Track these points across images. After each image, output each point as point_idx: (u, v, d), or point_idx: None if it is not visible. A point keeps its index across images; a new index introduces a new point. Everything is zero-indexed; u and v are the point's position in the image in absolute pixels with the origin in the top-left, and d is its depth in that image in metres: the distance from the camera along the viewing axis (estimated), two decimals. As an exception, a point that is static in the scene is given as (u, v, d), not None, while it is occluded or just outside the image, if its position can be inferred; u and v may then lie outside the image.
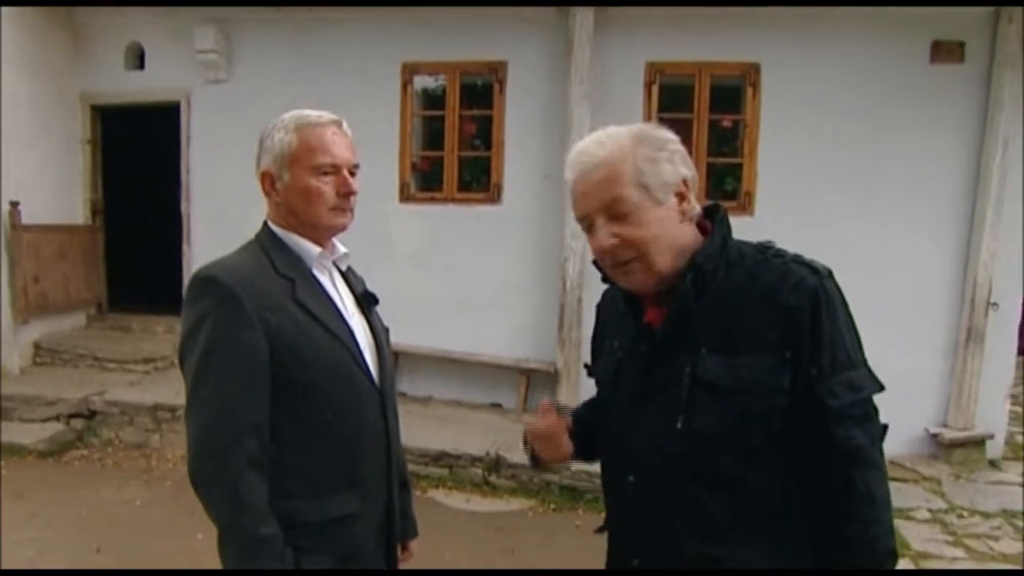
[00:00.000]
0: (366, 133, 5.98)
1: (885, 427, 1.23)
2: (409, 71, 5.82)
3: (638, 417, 1.27)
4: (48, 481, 4.37)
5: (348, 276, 1.61)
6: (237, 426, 1.30)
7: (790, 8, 5.24)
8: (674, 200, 1.22)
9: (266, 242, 1.46)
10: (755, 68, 5.41)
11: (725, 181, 5.63)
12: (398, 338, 5.79)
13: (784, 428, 1.18)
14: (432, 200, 5.90)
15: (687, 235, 1.24)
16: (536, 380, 5.56)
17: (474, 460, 4.62)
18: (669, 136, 1.26)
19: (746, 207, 5.47)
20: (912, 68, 5.31)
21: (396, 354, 5.73)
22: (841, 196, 5.38)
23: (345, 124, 1.50)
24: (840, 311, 1.18)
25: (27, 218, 5.76)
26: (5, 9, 5.61)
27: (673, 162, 1.22)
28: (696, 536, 1.21)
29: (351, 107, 6.10)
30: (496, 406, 5.67)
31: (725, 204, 5.34)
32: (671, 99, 5.56)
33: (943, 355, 5.44)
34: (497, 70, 5.70)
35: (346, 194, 1.46)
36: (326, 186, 1.44)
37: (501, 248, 5.77)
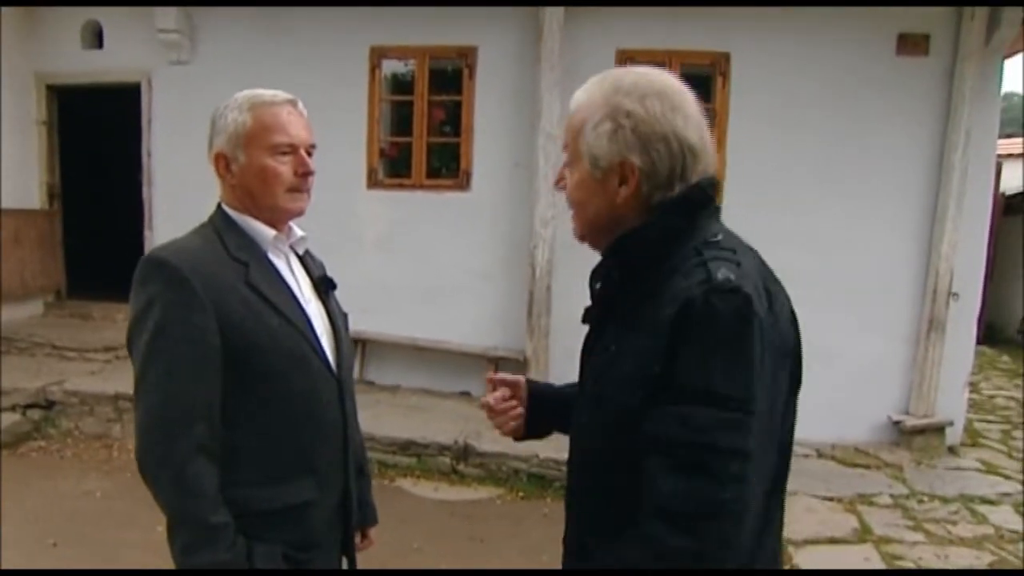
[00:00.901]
0: (333, 118, 5.96)
1: (735, 514, 0.97)
2: (377, 55, 5.73)
3: (581, 386, 1.25)
4: (3, 474, 4.24)
5: (306, 260, 1.58)
6: (186, 411, 1.28)
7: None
8: (614, 180, 1.10)
9: (219, 224, 1.43)
10: (725, 57, 5.42)
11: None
12: (365, 326, 5.80)
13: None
14: (400, 186, 5.83)
15: (629, 220, 1.12)
16: (505, 368, 5.52)
17: (442, 449, 4.59)
18: (635, 105, 1.08)
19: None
20: (878, 60, 5.37)
21: (363, 342, 5.67)
22: (808, 185, 5.43)
23: (301, 104, 1.47)
24: (715, 333, 0.97)
25: (-21, 201, 5.57)
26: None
27: (616, 139, 1.09)
28: (577, 530, 1.20)
29: (318, 91, 6.00)
30: (465, 394, 5.64)
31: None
32: (641, 87, 5.54)
33: (906, 343, 5.53)
34: (467, 55, 5.64)
35: (304, 174, 1.44)
36: (283, 166, 1.41)
37: (470, 235, 5.73)
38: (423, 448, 4.62)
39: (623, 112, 1.09)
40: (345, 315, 1.59)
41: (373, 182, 5.82)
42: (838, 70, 5.38)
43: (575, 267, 6.06)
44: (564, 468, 4.25)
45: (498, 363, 5.51)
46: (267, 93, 1.43)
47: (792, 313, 1.12)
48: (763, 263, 1.13)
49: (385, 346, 5.76)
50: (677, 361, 0.98)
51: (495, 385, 1.44)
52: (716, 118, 5.49)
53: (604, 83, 1.14)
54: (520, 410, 1.44)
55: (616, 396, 1.08)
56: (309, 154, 1.45)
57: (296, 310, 1.42)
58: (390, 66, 5.89)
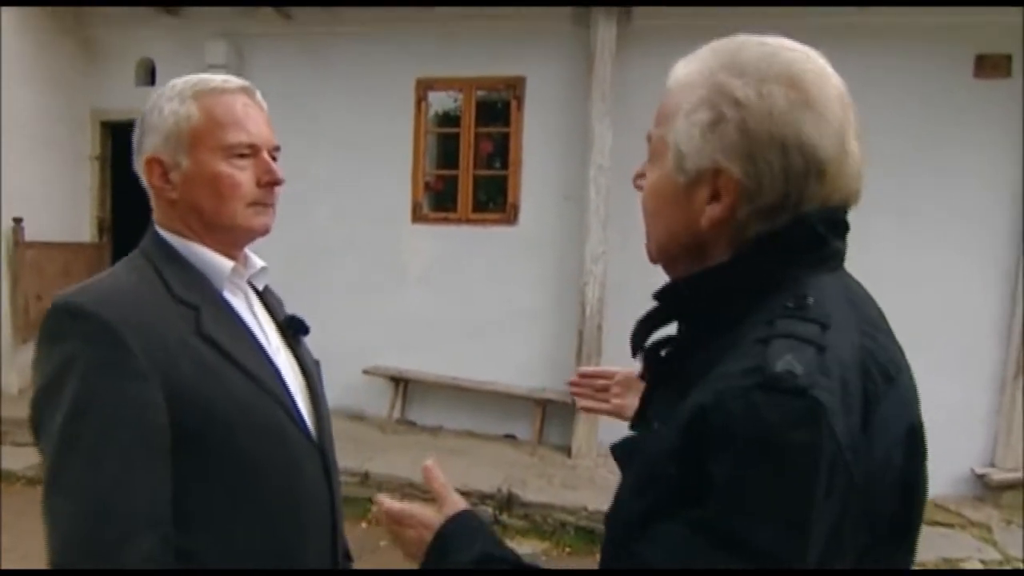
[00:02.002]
0: (378, 151, 5.89)
1: None
2: (423, 87, 5.63)
3: None
4: (33, 511, 4.14)
5: (266, 297, 1.24)
6: (124, 520, 0.92)
7: (829, 18, 4.98)
8: (703, 192, 0.80)
9: (155, 255, 1.09)
10: (786, 84, 5.14)
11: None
12: (407, 363, 5.61)
13: None
14: (446, 220, 5.67)
15: (712, 252, 0.82)
16: (552, 411, 5.26)
17: (484, 497, 4.32)
18: (744, 95, 0.76)
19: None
20: (955, 83, 5.02)
21: (404, 380, 5.48)
22: (875, 218, 5.06)
23: (259, 94, 1.16)
24: (755, 453, 0.66)
25: (31, 235, 5.62)
26: (11, 21, 5.50)
27: (713, 135, 0.77)
28: None
29: (363, 123, 5.86)
30: (510, 438, 5.38)
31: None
32: (697, 116, 5.30)
33: (989, 390, 5.07)
34: (515, 86, 5.49)
35: (270, 183, 1.12)
36: (242, 173, 1.09)
37: (517, 271, 5.52)
38: (464, 496, 4.34)
39: (729, 99, 0.77)
40: (317, 363, 1.27)
41: (418, 216, 5.68)
42: (910, 95, 5.05)
43: (627, 306, 5.80)
44: None
45: (546, 405, 5.24)
46: (215, 78, 1.12)
47: (913, 430, 0.76)
48: (883, 346, 0.77)
49: (427, 385, 5.55)
50: (699, 476, 0.68)
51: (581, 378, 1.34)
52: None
53: (716, 53, 0.82)
54: (616, 401, 1.30)
55: (629, 495, 0.80)
56: (273, 158, 1.14)
57: (265, 365, 1.10)
58: (436, 98, 5.78)
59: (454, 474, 4.59)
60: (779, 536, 0.65)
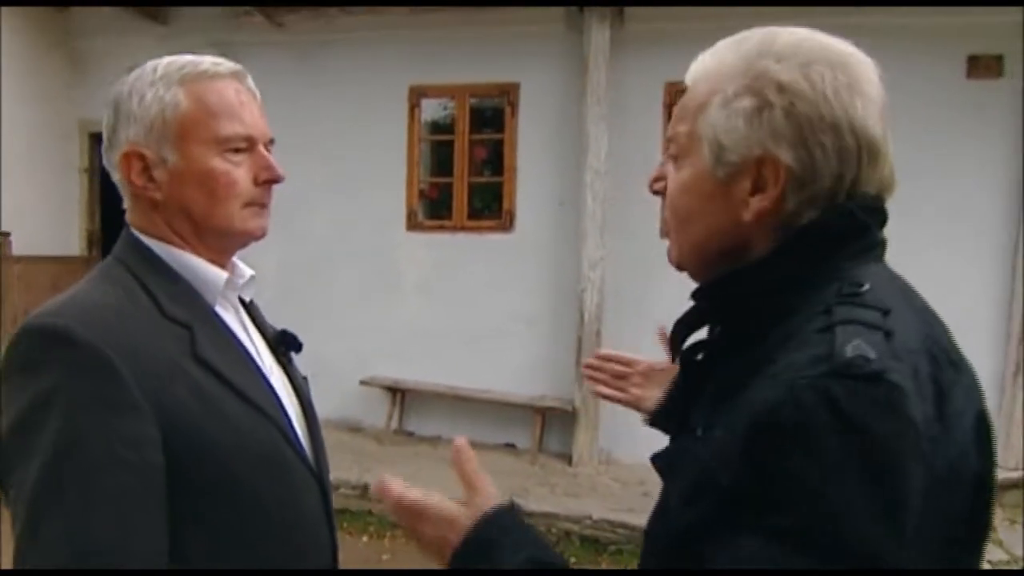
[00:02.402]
0: (372, 159, 5.84)
1: None
2: (416, 94, 5.59)
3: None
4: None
5: (252, 310, 1.12)
6: None
7: (823, 19, 4.97)
8: (744, 184, 0.76)
9: (136, 265, 0.95)
10: (781, 86, 5.14)
11: (751, 205, 5.33)
12: (405, 373, 5.55)
13: None
14: (441, 228, 5.62)
15: (754, 249, 0.78)
16: (552, 419, 5.21)
17: (487, 507, 4.26)
18: (790, 79, 0.73)
19: (774, 233, 5.16)
20: (948, 84, 5.03)
21: (402, 391, 5.41)
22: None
23: (250, 80, 1.04)
24: (838, 444, 0.61)
25: (19, 249, 5.53)
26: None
27: (759, 122, 0.74)
28: None
29: (357, 131, 5.82)
30: (510, 446, 5.32)
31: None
32: (692, 120, 5.29)
33: (988, 389, 5.00)
34: (509, 92, 5.46)
35: (269, 181, 1.00)
36: (238, 170, 0.97)
37: (514, 278, 5.47)
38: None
39: (773, 84, 0.73)
40: (306, 379, 1.15)
41: (413, 224, 5.63)
42: (906, 95, 5.03)
43: (626, 312, 5.79)
44: (620, 531, 3.81)
45: (545, 413, 5.18)
46: (203, 59, 0.98)
47: (982, 420, 0.71)
48: (941, 332, 0.74)
49: (425, 395, 5.49)
50: (774, 483, 0.63)
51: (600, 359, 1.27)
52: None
53: (744, 44, 0.79)
54: (635, 391, 1.22)
55: (679, 504, 0.75)
56: (268, 151, 1.02)
57: (263, 389, 0.98)
58: (429, 105, 5.75)
59: (455, 485, 4.52)
60: (876, 532, 0.61)
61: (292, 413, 1.03)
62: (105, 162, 1.00)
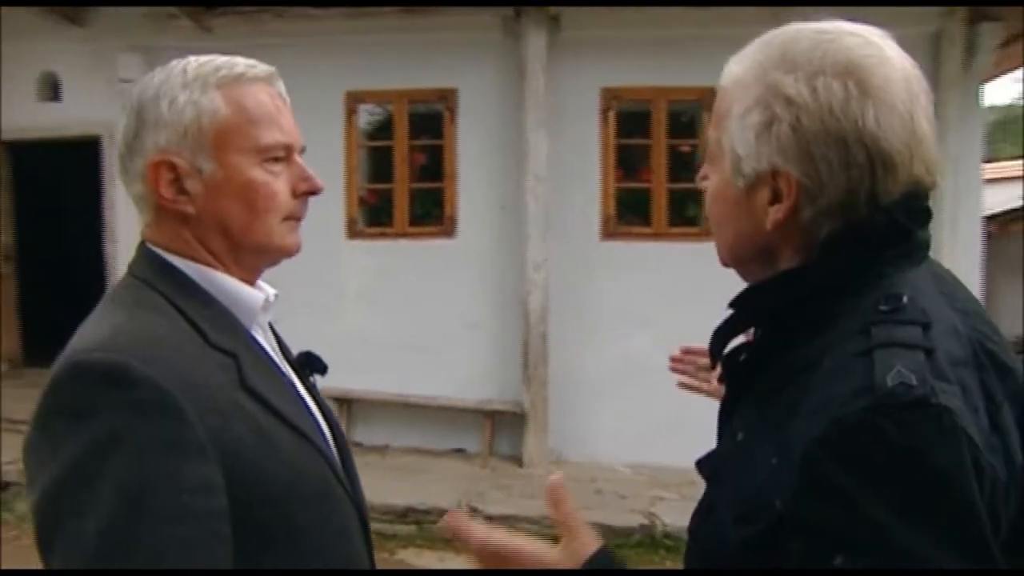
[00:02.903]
0: (309, 166, 5.68)
1: None
2: (354, 100, 5.52)
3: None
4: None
5: (275, 332, 1.06)
6: None
7: (743, 30, 5.19)
8: (763, 194, 0.78)
9: (168, 288, 0.87)
10: (712, 92, 5.28)
11: (687, 207, 5.51)
12: (351, 383, 5.47)
13: None
14: (383, 235, 5.57)
15: (784, 253, 0.80)
16: (502, 422, 5.25)
17: (444, 513, 4.23)
18: (796, 91, 0.73)
19: (710, 232, 5.30)
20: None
21: (348, 401, 5.33)
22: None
23: (281, 83, 0.99)
24: (896, 480, 0.62)
25: (-75, 267, 5.16)
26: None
27: (767, 137, 0.75)
28: None
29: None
30: (460, 451, 5.32)
31: (686, 230, 5.07)
32: (629, 125, 5.44)
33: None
34: (447, 98, 5.46)
35: (308, 193, 0.96)
36: (277, 181, 0.92)
37: (458, 283, 5.48)
38: (423, 514, 4.28)
39: (781, 97, 0.74)
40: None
41: (354, 232, 5.56)
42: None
43: (571, 313, 5.87)
44: None
45: (494, 417, 5.22)
46: (238, 61, 0.93)
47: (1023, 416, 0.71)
48: (987, 331, 0.74)
49: (372, 404, 5.42)
50: (841, 515, 0.63)
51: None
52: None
53: (767, 47, 0.79)
54: (717, 382, 1.18)
55: (723, 516, 0.77)
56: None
57: (307, 417, 0.93)
58: (367, 111, 5.70)
59: (409, 493, 4.52)
60: (969, 552, 0.61)
61: (328, 439, 0.98)
62: (119, 172, 0.92)
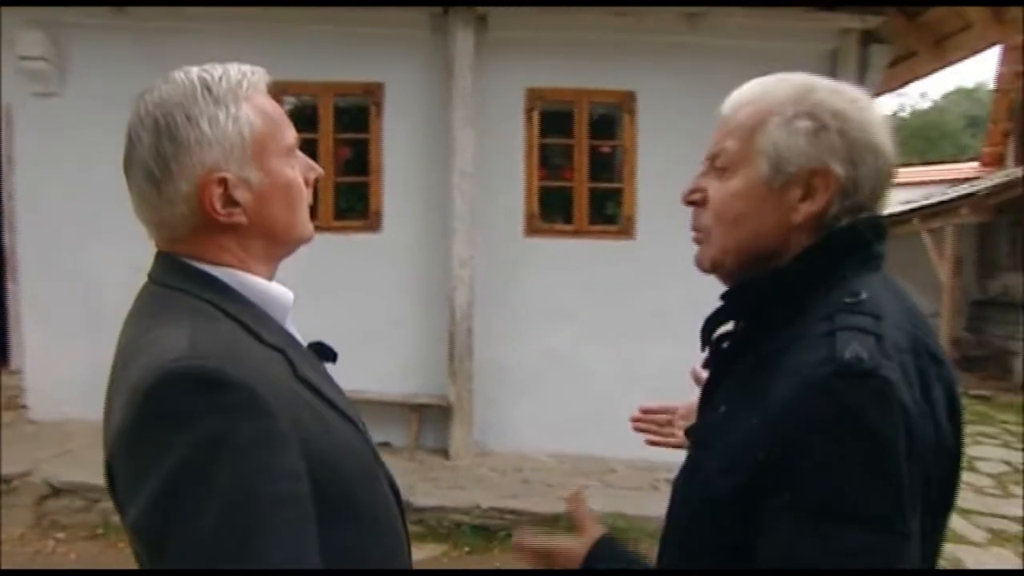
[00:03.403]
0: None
1: None
2: (276, 91, 5.20)
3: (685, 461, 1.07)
4: None
5: None
6: None
7: (660, 38, 5.46)
8: (795, 191, 0.92)
9: (214, 296, 0.90)
10: (631, 96, 5.56)
11: (606, 206, 5.72)
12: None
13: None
14: (306, 228, 5.49)
15: (791, 246, 0.95)
16: (428, 415, 5.30)
17: (373, 507, 4.28)
18: (847, 105, 0.92)
19: (627, 231, 5.57)
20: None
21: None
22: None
23: None
24: (846, 432, 0.78)
25: None
26: None
27: (816, 140, 0.91)
28: None
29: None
30: (386, 445, 5.33)
31: (606, 228, 5.31)
32: (552, 125, 5.59)
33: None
34: (373, 92, 5.45)
35: (315, 181, 1.03)
36: (297, 175, 0.98)
37: (383, 278, 5.48)
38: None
39: (829, 110, 0.92)
40: None
41: (275, 224, 5.45)
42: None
43: (496, 308, 6.00)
44: (508, 517, 4.15)
45: (421, 410, 5.26)
46: (244, 69, 0.97)
47: (954, 404, 0.88)
48: (927, 334, 0.90)
49: (294, 399, 5.35)
50: (797, 461, 0.79)
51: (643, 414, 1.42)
52: (626, 155, 5.61)
53: (791, 80, 0.97)
54: (681, 434, 1.28)
55: (710, 473, 0.91)
56: None
57: (344, 400, 0.98)
58: (291, 103, 5.60)
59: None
60: (884, 499, 0.77)
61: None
62: (151, 195, 0.91)
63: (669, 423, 1.38)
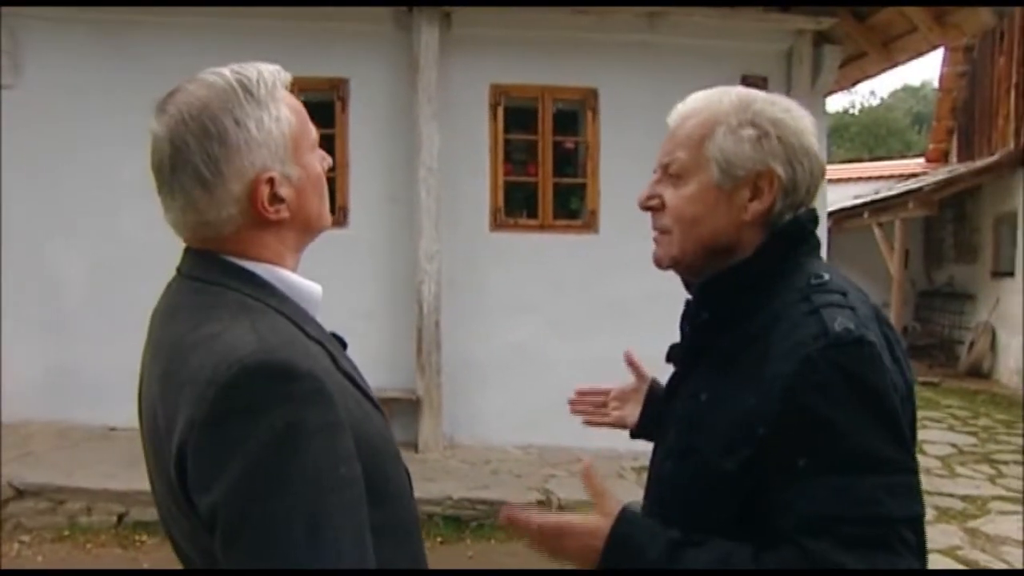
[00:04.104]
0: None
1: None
2: (239, 85, 5.35)
3: (663, 432, 1.16)
4: None
5: None
6: None
7: (621, 36, 5.57)
8: (744, 193, 1.03)
9: (256, 292, 0.93)
10: (593, 93, 5.67)
11: (570, 201, 5.82)
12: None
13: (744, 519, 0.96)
14: (271, 224, 5.47)
15: (744, 241, 1.05)
16: (396, 409, 5.32)
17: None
18: (783, 114, 1.03)
19: (591, 225, 5.68)
20: (727, 98, 5.86)
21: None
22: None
23: None
24: (851, 393, 0.89)
25: None
26: None
27: (760, 145, 1.02)
28: None
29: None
30: (354, 440, 5.36)
31: (569, 223, 5.42)
32: (516, 121, 5.67)
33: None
34: (338, 87, 5.46)
35: (329, 170, 1.07)
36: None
37: (349, 273, 5.47)
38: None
39: (769, 119, 1.03)
40: None
41: (240, 220, 5.42)
42: (693, 107, 5.80)
43: (463, 303, 6.04)
44: (479, 507, 4.21)
45: (390, 404, 5.29)
46: (270, 68, 1.00)
47: (907, 359, 1.02)
48: (872, 304, 1.03)
49: (261, 395, 5.33)
50: (808, 428, 0.89)
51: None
52: (589, 151, 5.71)
53: (731, 93, 1.08)
54: (616, 413, 1.42)
55: (708, 454, 0.99)
56: None
57: (370, 389, 1.02)
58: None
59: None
60: (891, 445, 0.89)
61: None
62: (200, 198, 0.92)
63: (604, 404, 1.45)
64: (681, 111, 1.11)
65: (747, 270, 1.04)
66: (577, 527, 1.02)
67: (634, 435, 1.41)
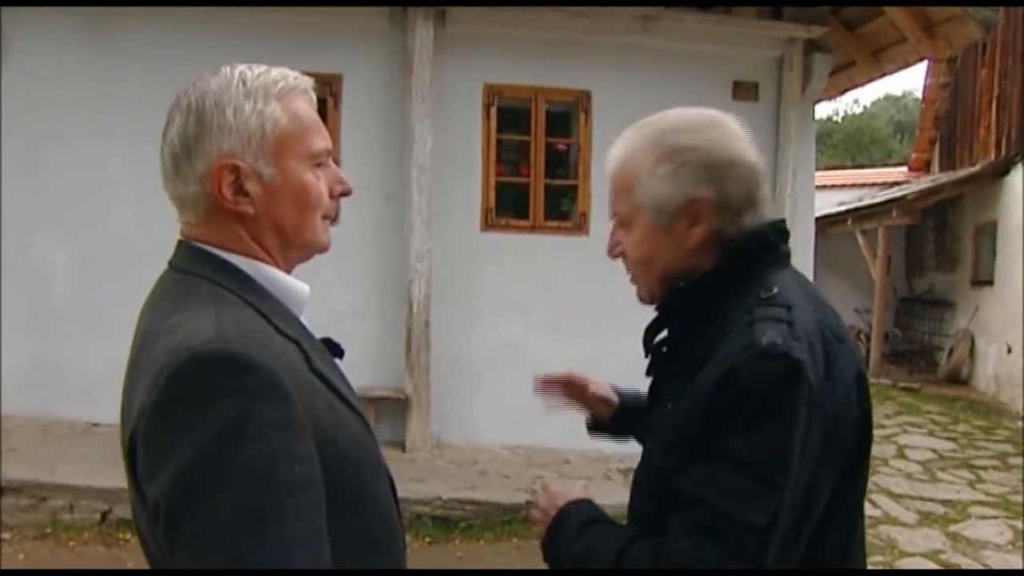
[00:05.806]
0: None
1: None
2: (231, 79, 5.31)
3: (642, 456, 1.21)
4: None
5: None
6: None
7: (615, 39, 5.59)
8: (682, 223, 1.08)
9: (233, 284, 0.93)
10: (586, 95, 5.69)
11: (561, 202, 5.83)
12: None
13: None
14: (260, 220, 5.43)
15: (700, 264, 1.10)
16: (384, 408, 5.31)
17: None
18: (693, 137, 1.07)
19: (581, 227, 5.70)
20: (717, 104, 5.87)
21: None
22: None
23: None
24: (754, 400, 0.94)
25: None
26: None
27: (677, 178, 1.06)
28: None
29: (162, 118, 5.60)
30: (341, 439, 5.33)
31: (560, 224, 5.44)
32: (509, 121, 5.67)
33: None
34: (331, 83, 5.42)
35: (343, 194, 1.05)
36: (320, 183, 1.00)
37: (339, 271, 5.42)
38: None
39: (678, 149, 1.07)
40: None
41: (229, 216, 5.37)
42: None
43: (453, 302, 6.03)
44: (468, 508, 4.26)
45: (378, 403, 5.27)
46: (287, 73, 1.01)
47: (860, 376, 1.05)
48: (831, 318, 1.07)
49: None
50: (715, 424, 0.95)
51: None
52: (580, 152, 5.73)
53: (643, 130, 1.12)
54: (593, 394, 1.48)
55: (660, 457, 1.06)
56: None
57: (353, 395, 1.00)
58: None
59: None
60: (772, 457, 0.93)
61: None
62: (169, 172, 0.96)
63: (582, 390, 1.49)
64: (609, 162, 1.16)
65: (698, 288, 1.10)
66: (563, 492, 1.18)
67: (591, 428, 1.52)
